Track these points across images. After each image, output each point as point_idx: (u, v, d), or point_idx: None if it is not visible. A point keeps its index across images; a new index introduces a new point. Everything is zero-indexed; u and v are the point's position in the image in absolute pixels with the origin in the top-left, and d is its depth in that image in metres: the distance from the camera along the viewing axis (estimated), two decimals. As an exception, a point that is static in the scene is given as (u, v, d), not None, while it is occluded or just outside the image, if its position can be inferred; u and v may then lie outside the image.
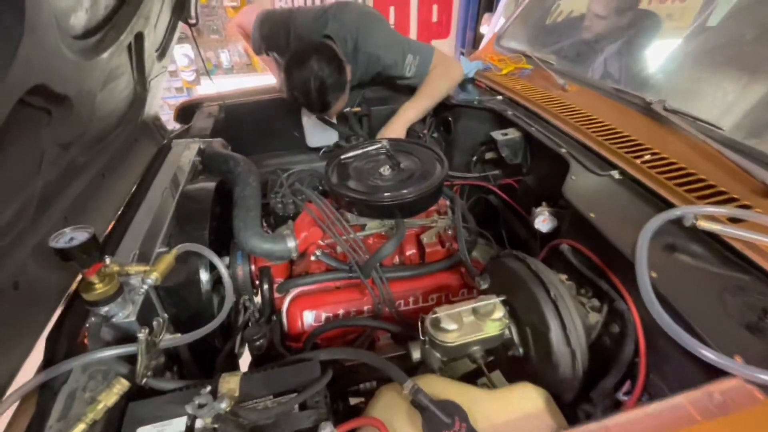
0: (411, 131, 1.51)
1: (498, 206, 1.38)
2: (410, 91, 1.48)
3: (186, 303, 0.83)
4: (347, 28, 1.38)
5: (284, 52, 1.46)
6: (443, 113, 1.55)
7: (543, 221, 0.95)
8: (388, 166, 1.07)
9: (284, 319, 0.95)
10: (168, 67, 1.46)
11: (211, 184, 1.07)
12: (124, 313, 0.67)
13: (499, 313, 0.66)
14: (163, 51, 1.32)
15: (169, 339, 0.63)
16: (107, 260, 0.62)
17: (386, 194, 0.97)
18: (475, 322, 0.65)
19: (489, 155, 1.31)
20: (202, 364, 0.87)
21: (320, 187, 1.27)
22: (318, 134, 1.63)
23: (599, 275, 0.75)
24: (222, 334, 0.96)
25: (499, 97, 1.38)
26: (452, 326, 0.64)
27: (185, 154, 1.19)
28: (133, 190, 1.05)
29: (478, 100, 1.39)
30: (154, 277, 0.63)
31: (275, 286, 1.01)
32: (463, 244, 0.97)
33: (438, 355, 0.66)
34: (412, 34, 3.56)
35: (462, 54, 3.47)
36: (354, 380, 0.83)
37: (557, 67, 1.43)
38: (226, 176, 1.11)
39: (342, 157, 1.12)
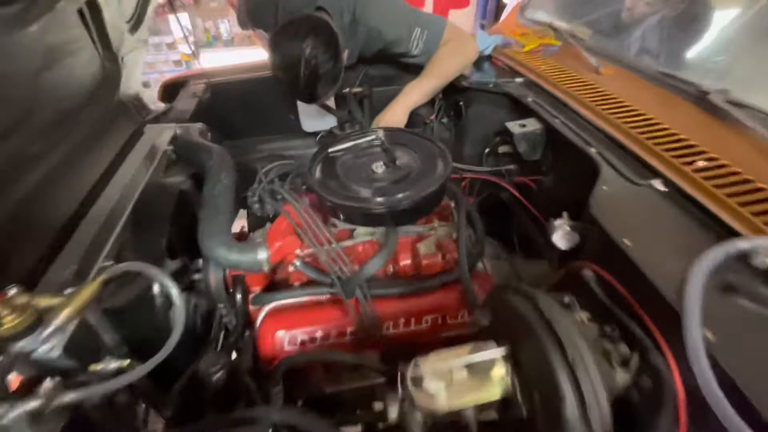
0: (415, 116, 1.34)
1: (511, 207, 1.22)
2: (419, 69, 1.30)
3: (139, 325, 0.72)
4: None
5: (272, 30, 1.29)
6: (454, 96, 1.36)
7: (562, 237, 0.79)
8: (381, 162, 0.92)
9: (257, 338, 0.84)
10: (147, 40, 1.31)
11: (178, 180, 0.94)
12: (47, 347, 0.56)
13: (500, 370, 0.52)
14: (137, 22, 1.17)
15: (61, 401, 0.49)
16: (11, 291, 0.50)
17: (377, 199, 0.82)
18: (469, 380, 0.52)
19: (504, 149, 1.13)
20: (168, 383, 0.77)
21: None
22: (314, 118, 1.47)
23: (630, 315, 0.60)
24: (190, 349, 0.86)
25: (519, 80, 1.19)
26: (438, 385, 0.50)
27: (158, 141, 1.06)
28: (94, 183, 0.93)
29: (494, 82, 1.20)
30: (64, 317, 0.52)
31: (251, 297, 0.90)
32: (464, 260, 0.82)
33: (419, 419, 0.53)
34: (428, 3, 3.25)
35: (482, 27, 3.17)
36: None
37: (590, 44, 1.21)
38: (198, 169, 0.98)
39: (330, 150, 0.97)
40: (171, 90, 1.46)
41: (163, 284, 0.64)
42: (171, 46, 2.77)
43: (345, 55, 1.12)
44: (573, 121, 0.94)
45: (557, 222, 0.80)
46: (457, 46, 1.23)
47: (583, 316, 0.63)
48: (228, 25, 2.96)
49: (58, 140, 0.95)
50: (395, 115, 1.21)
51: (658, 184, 0.71)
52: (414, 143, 0.98)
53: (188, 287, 0.92)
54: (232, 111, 1.52)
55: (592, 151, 0.81)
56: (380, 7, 1.21)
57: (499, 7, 3.21)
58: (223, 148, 0.99)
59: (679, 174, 0.71)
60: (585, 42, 1.21)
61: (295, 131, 1.57)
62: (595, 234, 0.71)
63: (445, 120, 1.46)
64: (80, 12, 0.85)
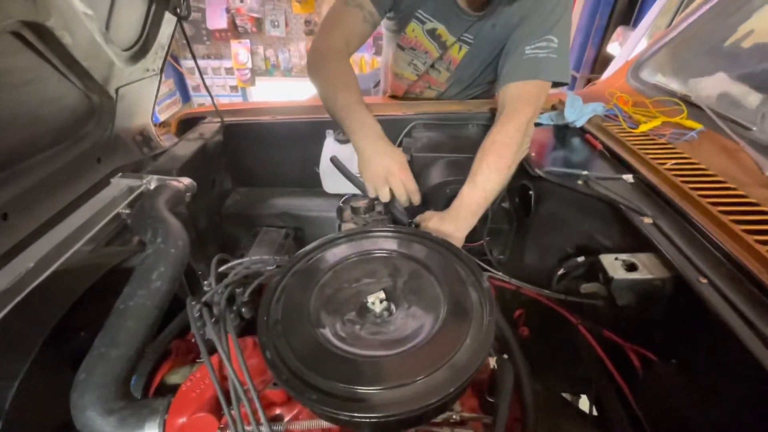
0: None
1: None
2: (479, 139, 0.91)
3: None
4: None
5: None
6: (521, 179, 0.98)
7: None
8: (382, 297, 0.57)
9: None
10: (162, 69, 1.14)
11: (115, 255, 0.70)
12: None
13: None
14: (141, 51, 0.99)
15: None
16: None
17: (356, 390, 0.47)
18: None
19: (589, 287, 0.71)
20: None
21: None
22: (335, 179, 1.19)
23: None
24: None
25: (629, 178, 0.78)
26: None
27: (115, 199, 0.83)
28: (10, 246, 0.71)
29: (587, 176, 0.80)
30: None
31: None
32: None
33: None
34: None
35: (572, 77, 2.65)
36: None
37: (762, 135, 0.76)
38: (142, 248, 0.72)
39: (310, 258, 0.65)
40: (186, 126, 1.28)
41: None
42: (230, 71, 2.73)
43: None
44: (732, 284, 0.51)
45: None
46: (526, 120, 0.84)
47: None
48: (288, 55, 2.86)
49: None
50: (454, 238, 0.81)
51: None
52: (437, 267, 0.62)
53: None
54: (250, 156, 1.31)
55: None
56: None
57: (600, 59, 2.63)
58: (181, 229, 0.72)
59: None
60: (751, 131, 0.76)
61: (319, 186, 1.31)
62: None
63: (506, 205, 1.08)
64: (21, 38, 0.65)
